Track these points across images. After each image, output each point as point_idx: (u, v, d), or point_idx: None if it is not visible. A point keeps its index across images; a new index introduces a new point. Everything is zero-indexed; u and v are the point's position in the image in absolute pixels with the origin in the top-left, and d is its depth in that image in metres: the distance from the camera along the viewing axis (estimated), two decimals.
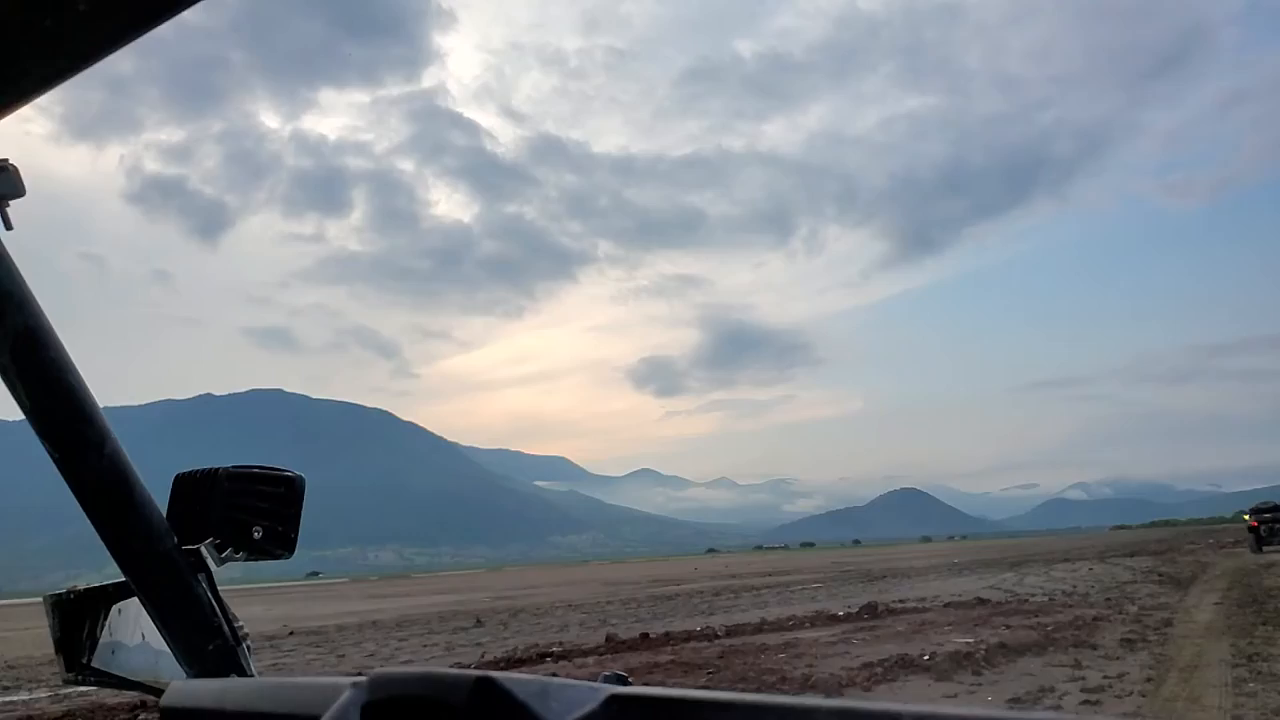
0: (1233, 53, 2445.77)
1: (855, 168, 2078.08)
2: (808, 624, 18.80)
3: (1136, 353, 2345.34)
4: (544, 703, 0.92)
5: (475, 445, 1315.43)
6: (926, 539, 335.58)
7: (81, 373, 1.28)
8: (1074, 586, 24.76)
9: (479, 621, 26.61)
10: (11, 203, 1.19)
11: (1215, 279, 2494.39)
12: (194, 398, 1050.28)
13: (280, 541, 1.46)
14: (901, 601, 22.82)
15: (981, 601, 21.06)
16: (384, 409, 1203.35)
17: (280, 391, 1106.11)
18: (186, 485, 1.44)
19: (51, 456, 1.29)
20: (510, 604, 36.16)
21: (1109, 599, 20.14)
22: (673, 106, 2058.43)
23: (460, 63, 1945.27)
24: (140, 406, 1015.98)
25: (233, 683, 1.22)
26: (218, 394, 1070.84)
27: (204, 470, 1.45)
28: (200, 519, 1.41)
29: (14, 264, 1.20)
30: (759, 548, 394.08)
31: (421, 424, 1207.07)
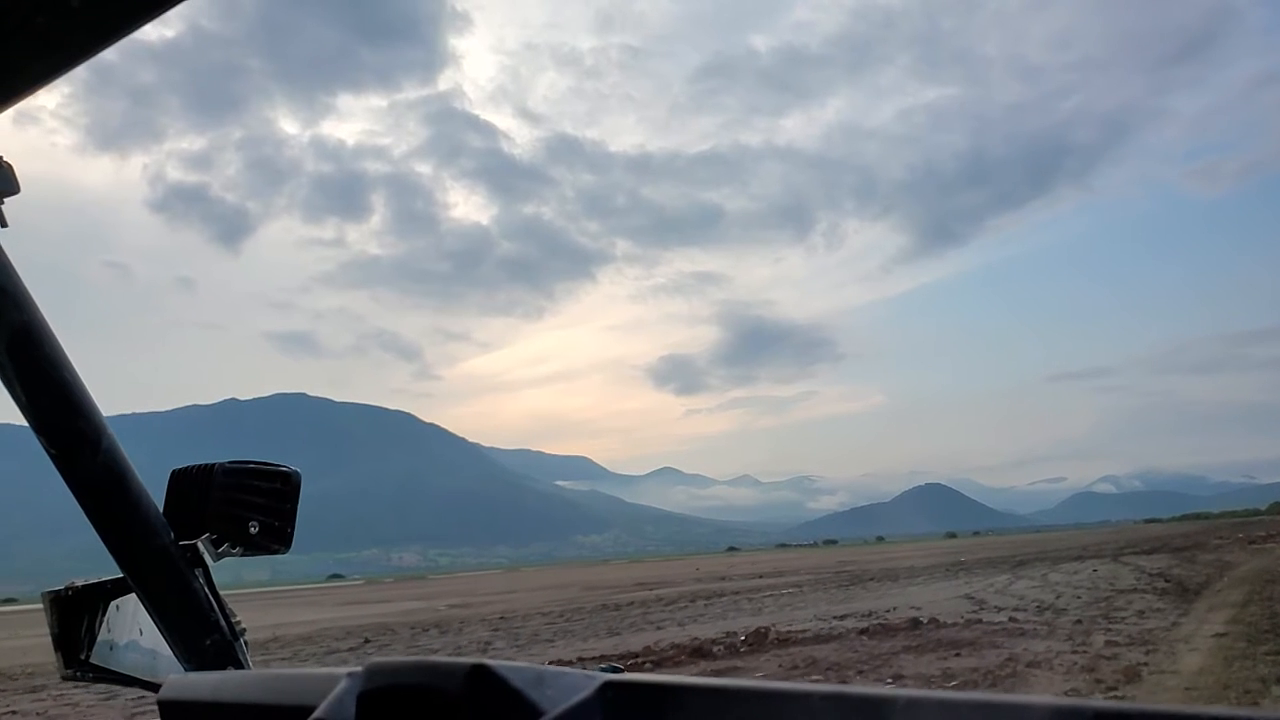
0: (1260, 34, 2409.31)
1: (874, 161, 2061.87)
2: (651, 662, 14.95)
3: (1165, 342, 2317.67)
4: (539, 690, 0.92)
5: (497, 446, 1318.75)
6: (951, 535, 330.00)
7: (79, 371, 1.26)
8: (1056, 597, 20.91)
9: (367, 640, 24.11)
10: (10, 200, 1.19)
11: (1244, 266, 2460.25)
12: (219, 403, 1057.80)
13: (276, 536, 1.46)
14: (841, 618, 19.54)
15: (915, 624, 17.03)
16: (406, 411, 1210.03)
17: (303, 395, 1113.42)
18: (183, 481, 1.45)
19: (48, 453, 1.28)
20: (448, 615, 33.53)
21: (1080, 621, 15.96)
22: (688, 103, 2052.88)
23: (475, 65, 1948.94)
24: (167, 412, 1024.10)
25: (229, 675, 1.22)
26: (242, 398, 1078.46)
27: (200, 466, 1.46)
28: (197, 514, 1.41)
29: (9, 261, 1.20)
30: (781, 545, 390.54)
31: (443, 425, 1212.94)
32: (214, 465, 1.44)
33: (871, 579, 36.07)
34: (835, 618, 19.81)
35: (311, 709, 0.95)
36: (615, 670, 0.96)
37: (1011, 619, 17.11)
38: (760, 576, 47.63)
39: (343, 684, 0.93)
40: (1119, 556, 39.25)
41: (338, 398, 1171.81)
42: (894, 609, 20.68)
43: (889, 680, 11.44)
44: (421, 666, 0.92)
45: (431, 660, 0.92)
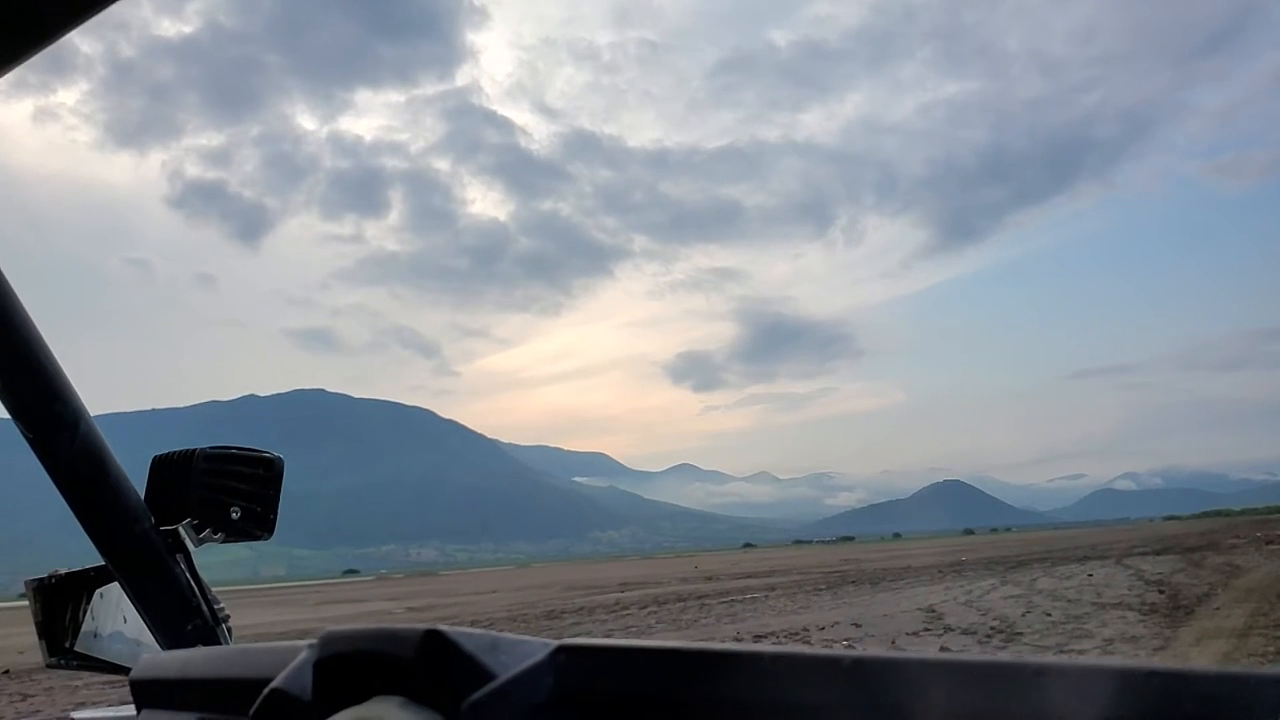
0: None
1: (894, 156, 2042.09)
2: None
3: (1187, 339, 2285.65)
4: (493, 655, 0.93)
5: (515, 442, 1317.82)
6: (969, 531, 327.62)
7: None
8: (1024, 613, 18.32)
9: None
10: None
11: (1269, 262, 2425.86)
12: (238, 399, 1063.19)
13: (259, 522, 1.46)
14: (760, 637, 17.19)
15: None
16: (425, 407, 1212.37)
17: (322, 391, 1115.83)
18: (164, 467, 1.44)
19: (25, 437, 1.27)
20: (393, 621, 31.32)
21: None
22: (707, 98, 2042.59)
23: (493, 60, 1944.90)
24: (186, 408, 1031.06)
25: (196, 652, 1.21)
26: (261, 394, 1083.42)
27: (181, 451, 1.45)
28: (178, 500, 1.41)
29: None
30: (798, 541, 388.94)
31: (462, 422, 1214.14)
32: (195, 451, 1.43)
33: (853, 581, 34.01)
34: (754, 636, 17.42)
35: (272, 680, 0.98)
36: None
37: (943, 649, 14.03)
38: (749, 577, 45.65)
39: (303, 654, 0.94)
40: (1124, 558, 36.76)
41: (357, 394, 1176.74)
42: (834, 625, 18.37)
43: None
44: (376, 634, 0.93)
45: (387, 627, 0.93)
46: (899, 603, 22.38)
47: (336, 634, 0.93)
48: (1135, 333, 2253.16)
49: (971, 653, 0.83)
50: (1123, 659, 0.86)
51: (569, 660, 0.92)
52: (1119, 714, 0.88)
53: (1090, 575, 27.69)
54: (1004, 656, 0.90)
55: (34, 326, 1.26)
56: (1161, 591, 20.74)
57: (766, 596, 29.01)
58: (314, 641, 0.95)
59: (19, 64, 0.98)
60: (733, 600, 28.26)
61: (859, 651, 0.90)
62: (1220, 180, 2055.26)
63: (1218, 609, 17.14)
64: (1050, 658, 0.88)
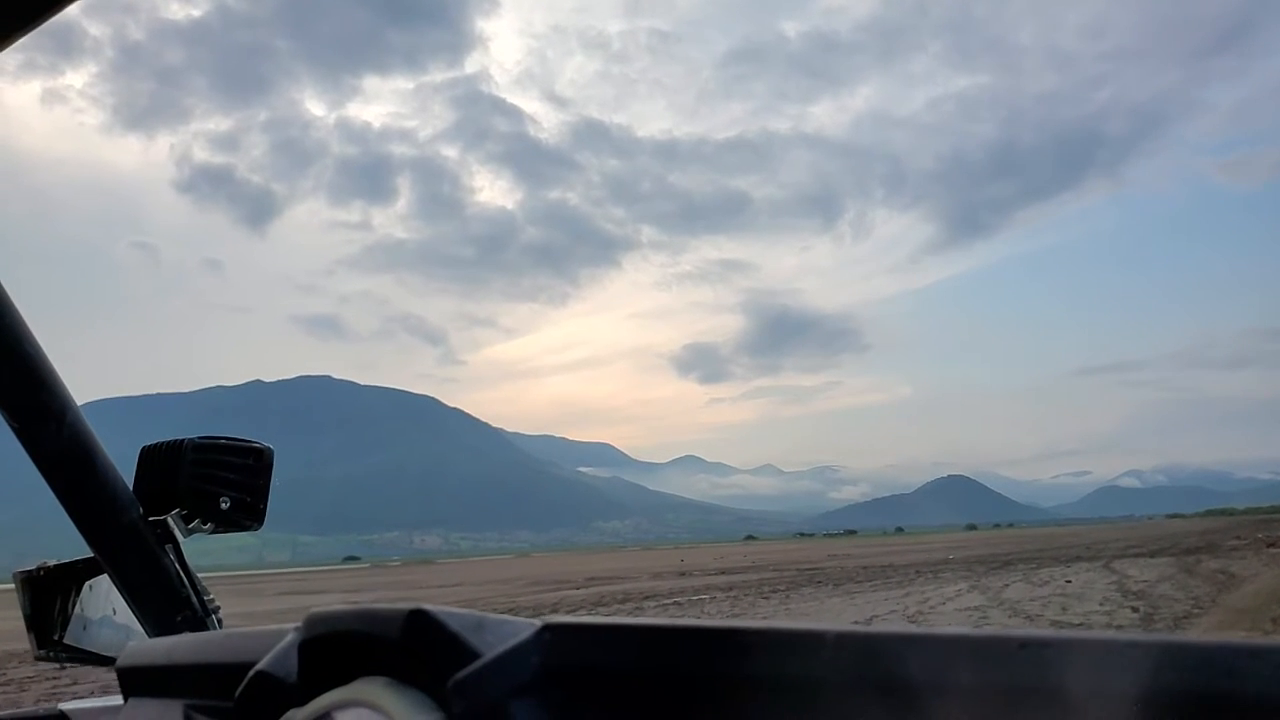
0: None
1: (903, 149, 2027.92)
2: None
3: (1193, 337, 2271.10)
4: (478, 634, 0.92)
5: (520, 431, 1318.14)
6: (972, 527, 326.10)
7: (42, 344, 1.25)
8: (976, 625, 16.09)
9: None
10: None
11: (1277, 260, 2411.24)
12: (244, 384, 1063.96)
13: (249, 512, 1.45)
14: None
15: None
16: (430, 395, 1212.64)
17: (328, 378, 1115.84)
18: (153, 457, 1.44)
19: (11, 427, 1.27)
20: None
21: None
22: (717, 89, 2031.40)
23: (503, 48, 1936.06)
24: (192, 393, 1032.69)
25: (183, 638, 1.21)
26: (267, 380, 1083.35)
27: (170, 442, 1.45)
28: (167, 490, 1.40)
29: None
30: (800, 534, 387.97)
31: (467, 410, 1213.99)
32: (184, 441, 1.43)
33: (818, 582, 31.83)
34: None
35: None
36: None
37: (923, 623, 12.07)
38: (722, 573, 43.54)
39: (289, 637, 0.94)
40: (1114, 560, 34.43)
41: (363, 381, 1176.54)
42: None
43: None
44: (360, 614, 0.92)
45: (371, 608, 0.92)
46: (843, 611, 20.00)
47: (321, 615, 0.93)
48: (1141, 330, 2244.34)
49: (954, 627, 0.77)
50: (1110, 632, 0.80)
51: (554, 638, 0.92)
52: (1100, 688, 0.88)
53: (1069, 581, 25.14)
54: (989, 630, 0.89)
55: (19, 315, 1.24)
56: (1136, 609, 17.90)
57: (714, 599, 26.66)
58: (299, 624, 0.94)
59: (17, 39, 0.97)
60: (674, 603, 26.01)
61: (843, 626, 0.91)
62: (1230, 178, 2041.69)
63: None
64: (1035, 630, 0.87)
